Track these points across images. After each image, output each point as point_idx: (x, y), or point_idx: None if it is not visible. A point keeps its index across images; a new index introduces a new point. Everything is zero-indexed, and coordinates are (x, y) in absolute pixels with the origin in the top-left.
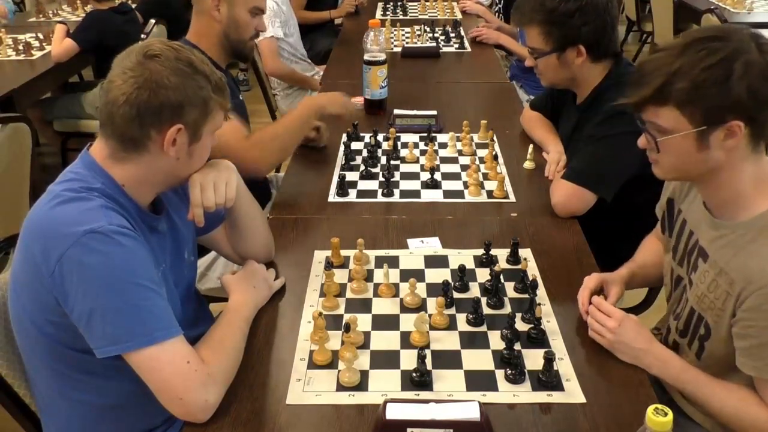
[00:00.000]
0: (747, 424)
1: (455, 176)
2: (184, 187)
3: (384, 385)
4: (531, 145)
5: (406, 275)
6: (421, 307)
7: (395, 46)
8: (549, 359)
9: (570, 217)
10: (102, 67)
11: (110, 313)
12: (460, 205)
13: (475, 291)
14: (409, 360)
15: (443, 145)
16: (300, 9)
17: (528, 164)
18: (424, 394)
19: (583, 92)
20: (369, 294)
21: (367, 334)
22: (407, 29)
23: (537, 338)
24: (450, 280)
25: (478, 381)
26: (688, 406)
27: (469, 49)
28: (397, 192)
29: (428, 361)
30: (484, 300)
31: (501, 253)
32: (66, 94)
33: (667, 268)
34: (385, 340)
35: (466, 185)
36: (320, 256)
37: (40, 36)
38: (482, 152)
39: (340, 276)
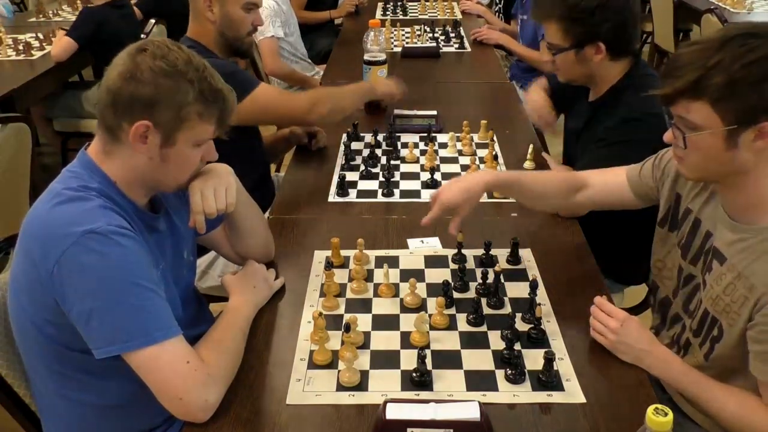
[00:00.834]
0: (747, 427)
1: (455, 176)
2: (183, 189)
3: (384, 385)
4: (531, 145)
5: (406, 275)
6: (421, 307)
7: (395, 46)
8: (549, 359)
9: (571, 217)
10: (100, 67)
11: (109, 313)
12: None
13: (475, 291)
14: (409, 360)
15: (443, 145)
16: (300, 9)
17: (528, 164)
18: (424, 394)
19: (600, 89)
20: (369, 294)
21: (367, 334)
22: (407, 29)
23: (537, 338)
24: (450, 280)
25: (478, 381)
26: (688, 406)
27: (469, 49)
28: (397, 192)
29: (428, 361)
30: (484, 300)
31: (501, 253)
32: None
33: (674, 264)
34: (385, 340)
35: None
36: (320, 256)
37: (40, 36)
38: (482, 152)
39: (340, 276)
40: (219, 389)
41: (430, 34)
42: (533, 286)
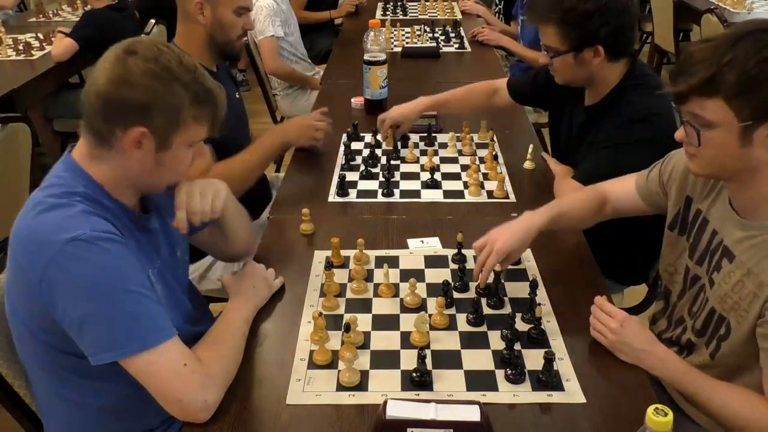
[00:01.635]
0: (750, 425)
1: (455, 176)
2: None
3: (384, 385)
4: (531, 145)
5: (406, 275)
6: (421, 307)
7: (395, 46)
8: (549, 359)
9: None
10: None
11: (100, 321)
12: (460, 205)
13: (474, 291)
14: (409, 360)
15: (443, 145)
16: (300, 9)
17: (528, 164)
18: (424, 394)
19: (600, 91)
20: (369, 294)
21: (367, 334)
22: (407, 29)
23: (537, 338)
24: (450, 280)
25: (478, 381)
26: (688, 406)
27: (469, 49)
28: (397, 192)
29: (428, 361)
30: (484, 300)
31: None
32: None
33: (681, 266)
34: (385, 340)
35: (466, 185)
36: (320, 256)
37: (40, 36)
38: (482, 152)
39: (340, 276)
40: (218, 389)
41: (430, 34)
42: (533, 286)
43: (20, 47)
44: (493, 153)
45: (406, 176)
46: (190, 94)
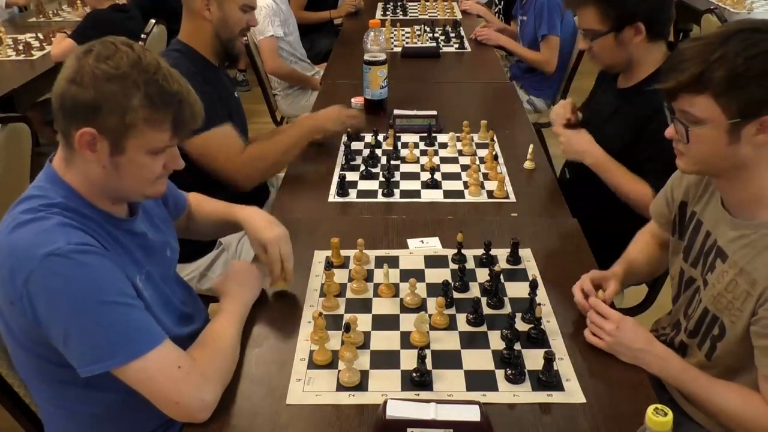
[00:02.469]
0: (749, 423)
1: (455, 176)
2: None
3: (384, 385)
4: (531, 145)
5: (406, 275)
6: (421, 307)
7: (395, 46)
8: (549, 359)
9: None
10: None
11: (84, 334)
12: (460, 205)
13: (475, 291)
14: (409, 360)
15: (443, 145)
16: (300, 9)
17: (528, 164)
18: (424, 394)
19: (635, 76)
20: (369, 294)
21: (367, 334)
22: (407, 29)
23: (537, 338)
24: (450, 280)
25: (478, 381)
26: (688, 406)
27: (469, 49)
28: (397, 192)
29: (428, 361)
30: (484, 300)
31: (501, 253)
32: None
33: (676, 269)
34: (385, 340)
35: (466, 185)
36: (320, 256)
37: (40, 36)
38: (482, 152)
39: (340, 276)
40: (215, 388)
41: (430, 34)
42: (533, 286)
43: (20, 47)
44: (493, 153)
45: (406, 176)
46: (143, 96)
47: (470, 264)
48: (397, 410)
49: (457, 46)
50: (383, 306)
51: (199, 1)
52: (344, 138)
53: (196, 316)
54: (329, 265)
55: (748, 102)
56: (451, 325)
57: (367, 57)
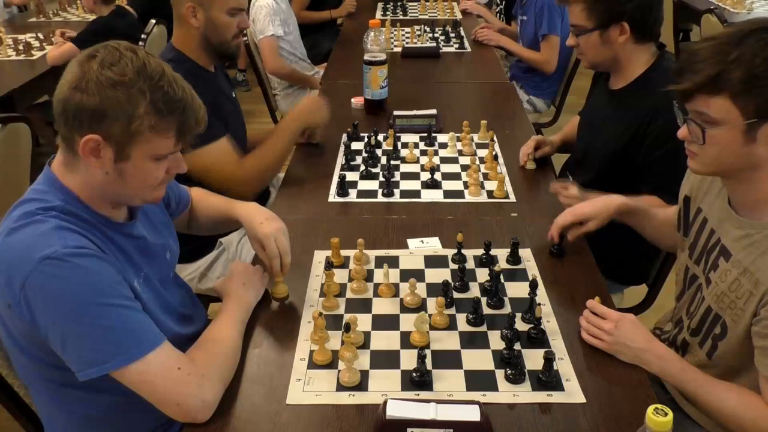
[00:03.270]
0: (748, 424)
1: (455, 176)
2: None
3: (384, 385)
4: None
5: (406, 275)
6: (421, 307)
7: (395, 46)
8: (549, 359)
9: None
10: None
11: (82, 338)
12: (460, 205)
13: (475, 291)
14: (409, 360)
15: (443, 145)
16: (302, 9)
17: (529, 165)
18: (424, 394)
19: (627, 76)
20: (369, 294)
21: (367, 334)
22: (407, 29)
23: (537, 338)
24: (450, 280)
25: (478, 381)
26: (688, 406)
27: (469, 49)
28: (397, 192)
29: (428, 361)
30: (484, 300)
31: (501, 253)
32: None
33: (682, 266)
34: (385, 340)
35: (466, 185)
36: (320, 256)
37: (40, 36)
38: (482, 152)
39: (340, 276)
40: (215, 388)
41: (430, 34)
42: (533, 286)
43: (20, 47)
44: (493, 153)
45: (406, 176)
46: (147, 103)
47: (470, 264)
48: (397, 410)
49: (457, 46)
50: (383, 306)
51: (186, 8)
52: (344, 138)
53: (196, 318)
54: (329, 265)
55: (766, 102)
56: (451, 325)
57: (367, 57)
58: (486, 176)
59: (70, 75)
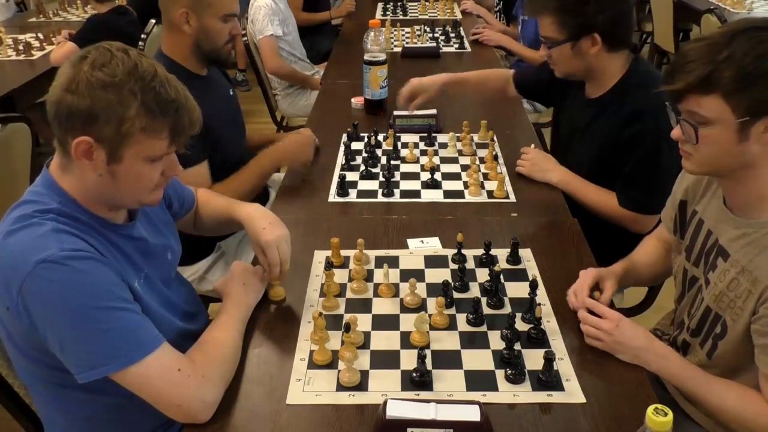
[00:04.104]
0: (748, 422)
1: (455, 176)
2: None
3: (384, 385)
4: (532, 145)
5: (406, 275)
6: (421, 307)
7: (395, 46)
8: (549, 359)
9: (570, 216)
10: None
11: (80, 341)
12: (460, 205)
13: (475, 291)
14: (409, 360)
15: (443, 145)
16: (298, 9)
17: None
18: (424, 394)
19: (602, 85)
20: (369, 294)
21: (367, 334)
22: (407, 29)
23: (537, 338)
24: (450, 280)
25: (478, 381)
26: (688, 406)
27: (469, 49)
28: (397, 192)
29: (428, 361)
30: (484, 300)
31: (501, 253)
32: None
33: (679, 269)
34: (385, 340)
35: (466, 185)
36: (320, 256)
37: (40, 36)
38: (482, 152)
39: (340, 276)
40: (215, 388)
41: (430, 34)
42: (533, 286)
43: (20, 47)
44: (493, 153)
45: (406, 176)
46: (138, 105)
47: (470, 264)
48: (397, 410)
49: (457, 46)
50: (383, 306)
51: (178, 15)
52: (344, 138)
53: (199, 316)
54: (329, 265)
55: (757, 100)
56: (451, 325)
57: (367, 57)
58: (486, 176)
59: (63, 77)
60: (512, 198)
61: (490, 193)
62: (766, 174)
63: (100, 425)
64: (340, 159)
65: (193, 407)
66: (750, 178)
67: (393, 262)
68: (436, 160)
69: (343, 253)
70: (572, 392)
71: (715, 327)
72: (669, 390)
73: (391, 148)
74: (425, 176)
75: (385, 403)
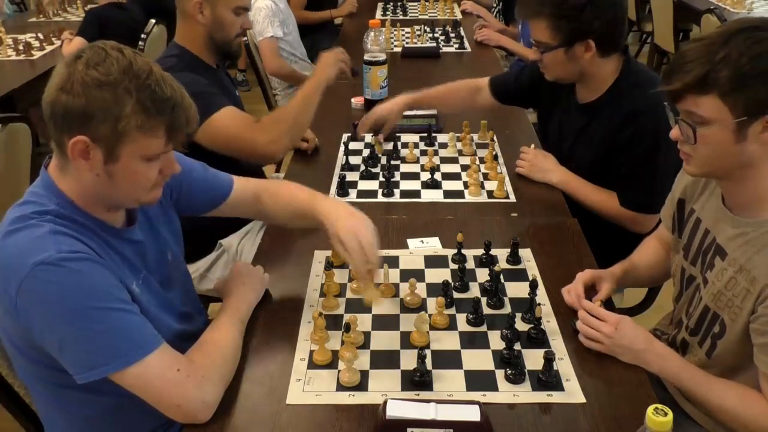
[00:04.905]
0: (748, 422)
1: (455, 176)
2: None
3: (384, 385)
4: (532, 145)
5: (406, 275)
6: (421, 307)
7: (395, 46)
8: (549, 359)
9: (570, 216)
10: None
11: (79, 341)
12: (460, 205)
13: (475, 291)
14: (409, 360)
15: (443, 145)
16: (299, 8)
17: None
18: (424, 394)
19: (596, 88)
20: None
21: (367, 334)
22: (407, 29)
23: (537, 338)
24: (450, 280)
25: (478, 381)
26: (688, 406)
27: (469, 49)
28: (397, 192)
29: (428, 361)
30: (484, 300)
31: (501, 253)
32: None
33: (677, 268)
34: (385, 340)
35: (466, 185)
36: (320, 256)
37: (40, 36)
38: (482, 152)
39: (340, 276)
40: (215, 388)
41: (430, 34)
42: (533, 286)
43: (20, 47)
44: (493, 153)
45: (406, 176)
46: (135, 102)
47: (470, 264)
48: (397, 410)
49: (457, 46)
50: (383, 306)
51: (192, 5)
52: (344, 138)
53: (197, 317)
54: (329, 265)
55: (754, 100)
56: (451, 325)
57: (367, 57)
58: (486, 176)
59: (57, 77)
60: (512, 198)
61: (490, 193)
62: (765, 173)
63: (100, 425)
64: (340, 159)
65: (193, 407)
66: (748, 177)
67: (393, 262)
68: (436, 160)
69: None
70: (572, 392)
71: (714, 326)
72: (669, 390)
73: (391, 148)
74: (425, 176)
75: (385, 403)
